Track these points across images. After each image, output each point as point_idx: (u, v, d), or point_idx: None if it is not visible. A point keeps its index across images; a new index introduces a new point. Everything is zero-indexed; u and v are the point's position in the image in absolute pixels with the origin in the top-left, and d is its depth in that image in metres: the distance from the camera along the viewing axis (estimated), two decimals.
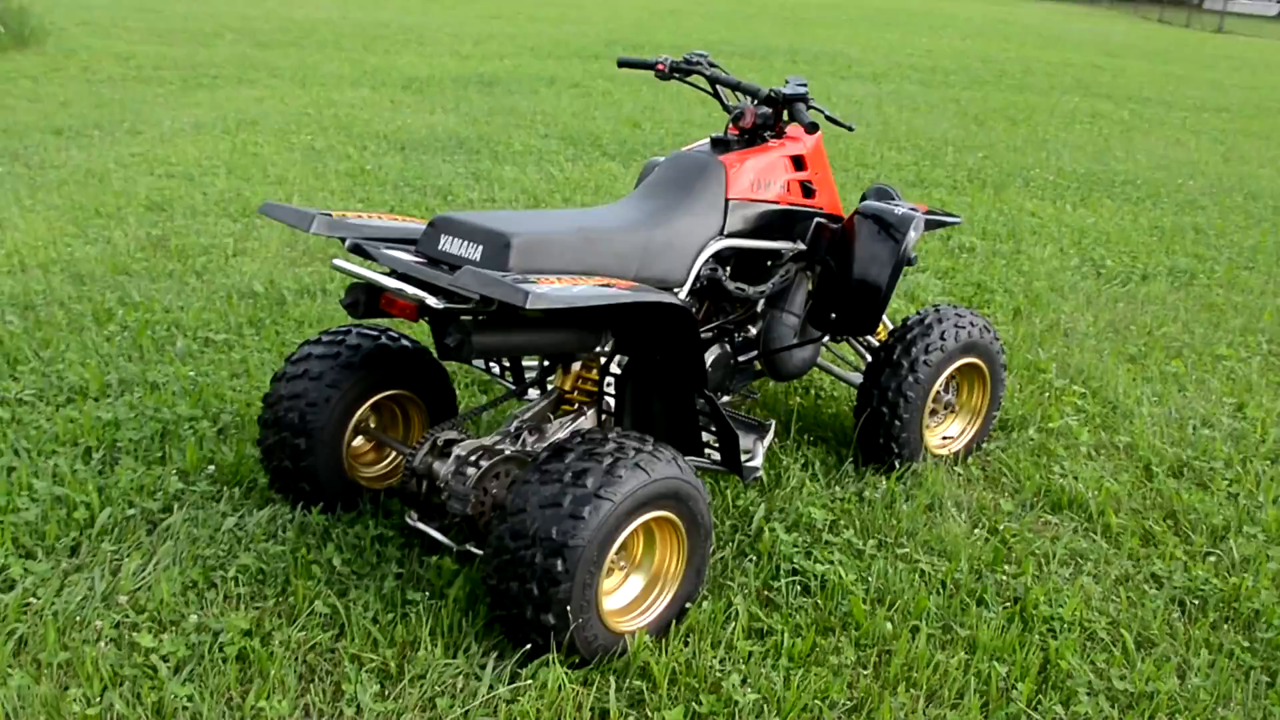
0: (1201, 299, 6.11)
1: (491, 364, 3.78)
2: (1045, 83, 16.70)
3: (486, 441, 3.06)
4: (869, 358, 4.10)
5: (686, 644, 2.79)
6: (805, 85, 3.49)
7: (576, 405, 3.32)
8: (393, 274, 2.80)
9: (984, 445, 4.04)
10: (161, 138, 8.40)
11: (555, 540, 2.54)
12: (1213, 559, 3.40)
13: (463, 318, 2.80)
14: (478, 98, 11.40)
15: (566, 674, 2.58)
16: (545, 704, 2.52)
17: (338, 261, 2.82)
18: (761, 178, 3.49)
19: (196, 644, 2.66)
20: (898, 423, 3.69)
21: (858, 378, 4.11)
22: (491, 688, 2.57)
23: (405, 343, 3.33)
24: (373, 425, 3.33)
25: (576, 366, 3.33)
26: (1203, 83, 18.70)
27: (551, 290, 2.44)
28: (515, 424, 3.19)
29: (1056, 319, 5.55)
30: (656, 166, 3.87)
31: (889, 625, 2.93)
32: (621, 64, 3.86)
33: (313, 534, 3.14)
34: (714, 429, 3.12)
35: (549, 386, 3.50)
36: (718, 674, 2.68)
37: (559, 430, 3.22)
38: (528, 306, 2.37)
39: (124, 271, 5.26)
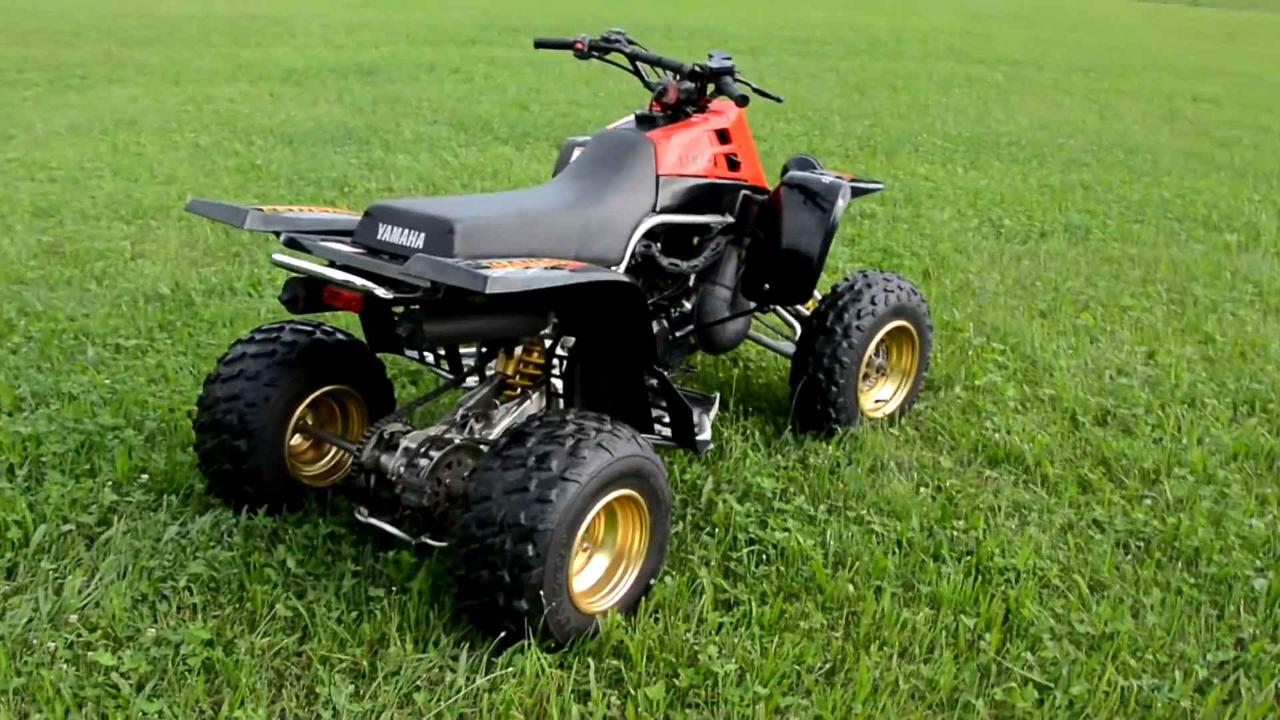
0: (1099, 253, 6.30)
1: (426, 353, 3.71)
2: (919, 50, 17.03)
3: (434, 432, 3.01)
4: (797, 327, 4.13)
5: (656, 620, 2.79)
6: (730, 59, 3.49)
7: (520, 390, 3.28)
8: (332, 266, 2.72)
9: (914, 405, 4.11)
10: (36, 141, 8.06)
11: (524, 525, 2.50)
12: (1148, 502, 3.52)
13: (412, 307, 2.74)
14: (359, 87, 11.18)
15: (544, 659, 2.55)
16: (526, 691, 2.49)
17: (277, 256, 2.73)
18: (688, 153, 3.48)
19: (158, 658, 2.56)
20: (834, 388, 3.73)
21: (788, 347, 4.13)
22: (470, 679, 2.53)
23: (340, 337, 3.25)
24: (310, 422, 3.24)
25: (518, 351, 3.29)
26: (1068, 44, 19.28)
27: (508, 274, 2.41)
28: (461, 412, 3.13)
29: (965, 279, 5.67)
30: (581, 146, 3.85)
31: (851, 587, 2.96)
32: (539, 44, 3.81)
33: (261, 537, 3.05)
34: (666, 404, 3.11)
35: (489, 373, 3.45)
36: (694, 647, 2.68)
37: (506, 416, 3.17)
38: (488, 291, 2.33)
39: (19, 280, 5.03)
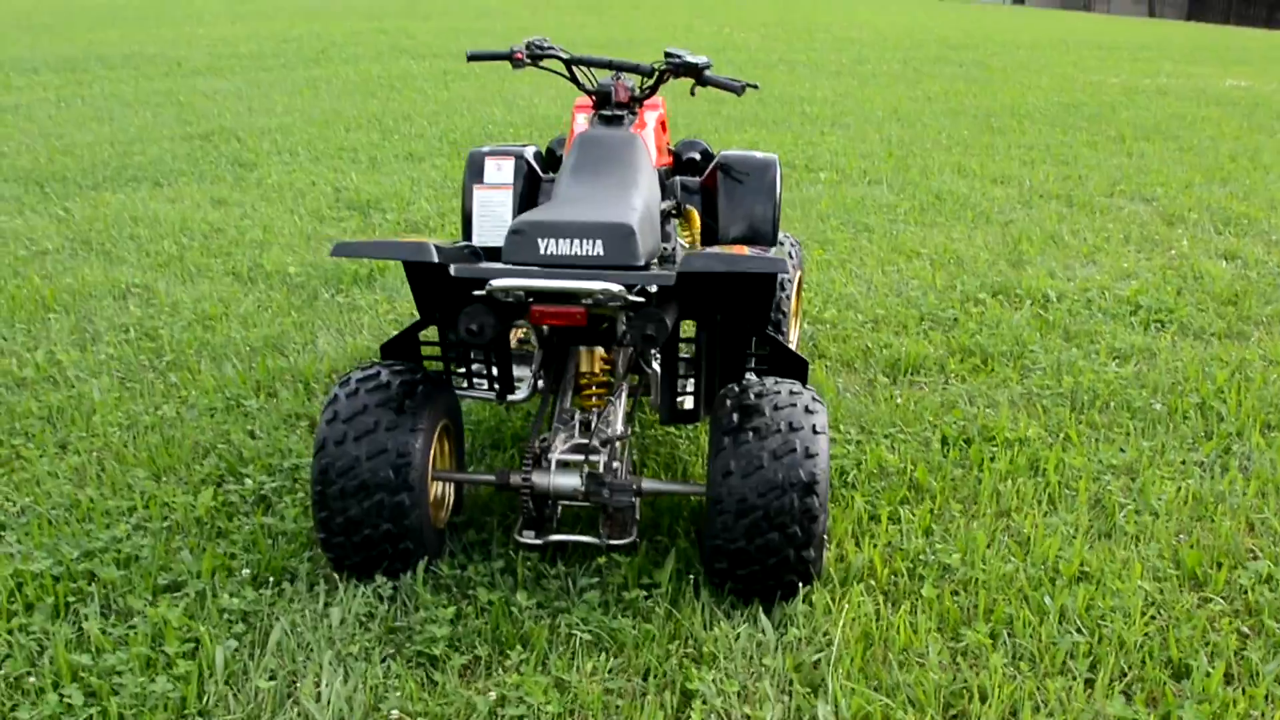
0: (798, 208, 7.22)
1: (463, 366, 3.66)
2: (367, 51, 17.29)
3: (567, 440, 3.14)
4: None
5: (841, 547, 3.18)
6: (694, 55, 3.82)
7: (605, 385, 3.42)
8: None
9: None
10: None
11: (805, 480, 2.78)
12: (1039, 372, 4.42)
13: (645, 307, 2.87)
14: None
15: (859, 591, 2.87)
16: (854, 620, 2.79)
17: (499, 281, 2.72)
18: (656, 144, 3.81)
19: (518, 718, 2.54)
20: (781, 335, 4.24)
21: None
22: (787, 635, 2.76)
23: (430, 372, 3.22)
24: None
25: (600, 350, 3.44)
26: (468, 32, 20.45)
27: (781, 260, 2.71)
28: (579, 417, 3.26)
29: None
30: (493, 156, 3.93)
31: (934, 481, 3.53)
32: (472, 58, 3.87)
33: (445, 589, 2.99)
34: (780, 362, 3.46)
35: (555, 379, 3.56)
36: (905, 552, 3.11)
37: (619, 411, 3.34)
38: (781, 274, 2.63)
39: None
